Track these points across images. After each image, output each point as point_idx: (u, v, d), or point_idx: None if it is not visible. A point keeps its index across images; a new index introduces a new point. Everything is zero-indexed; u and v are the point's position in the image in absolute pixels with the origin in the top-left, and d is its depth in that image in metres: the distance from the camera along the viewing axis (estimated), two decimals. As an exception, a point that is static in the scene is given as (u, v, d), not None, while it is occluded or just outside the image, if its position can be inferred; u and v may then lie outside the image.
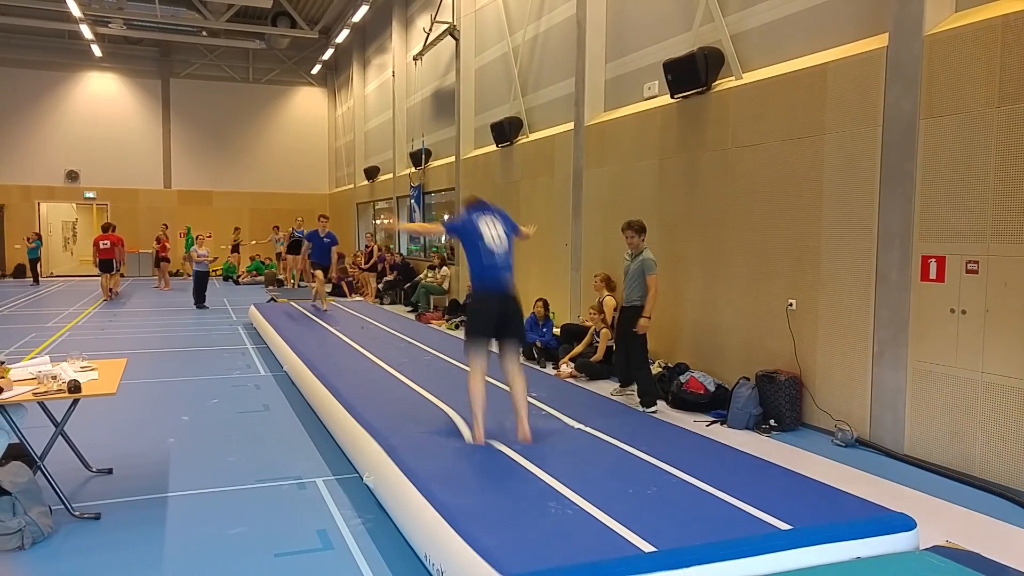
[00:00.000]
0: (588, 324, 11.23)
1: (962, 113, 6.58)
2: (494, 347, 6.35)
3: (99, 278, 22.18)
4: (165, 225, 27.05)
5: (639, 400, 8.73)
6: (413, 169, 21.90)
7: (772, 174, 8.65)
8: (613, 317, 10.19)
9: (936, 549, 4.40)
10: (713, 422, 8.35)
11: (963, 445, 6.65)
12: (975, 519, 5.71)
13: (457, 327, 15.48)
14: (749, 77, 9.11)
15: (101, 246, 21.55)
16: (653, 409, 8.58)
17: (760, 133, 8.82)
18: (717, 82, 9.59)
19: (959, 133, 6.61)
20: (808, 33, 8.46)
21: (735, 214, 9.20)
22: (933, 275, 6.86)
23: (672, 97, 10.15)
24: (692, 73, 9.61)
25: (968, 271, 6.57)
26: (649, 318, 8.62)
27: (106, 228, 22.36)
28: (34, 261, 26.53)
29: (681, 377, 9.11)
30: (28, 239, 26.47)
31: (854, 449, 7.46)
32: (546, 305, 12.32)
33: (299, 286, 24.61)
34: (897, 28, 7.12)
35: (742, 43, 9.34)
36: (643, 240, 8.80)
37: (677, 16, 10.54)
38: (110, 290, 21.77)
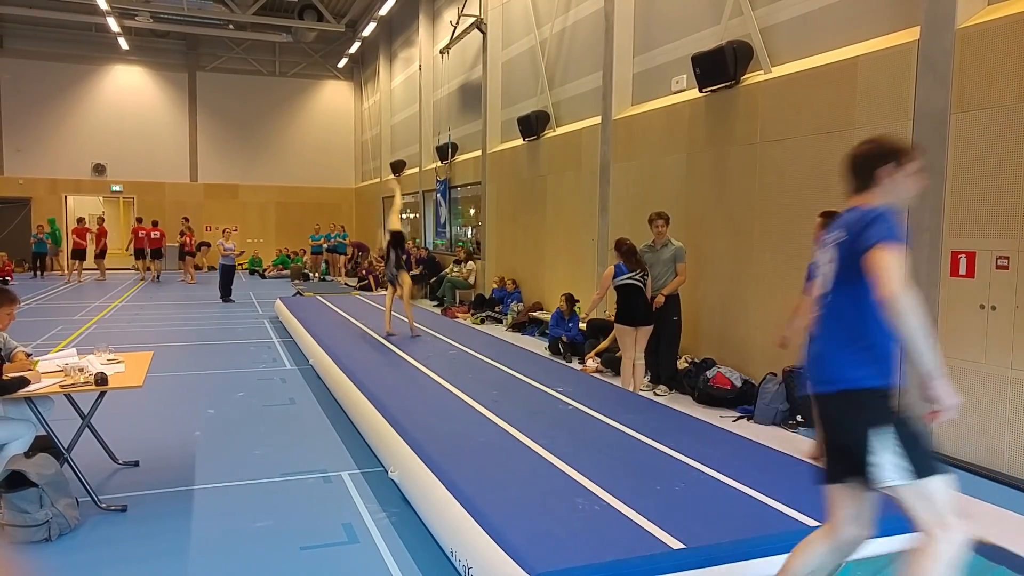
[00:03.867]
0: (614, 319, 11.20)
1: (994, 107, 6.50)
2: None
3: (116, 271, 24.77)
4: (186, 219, 27.17)
5: (649, 378, 9.69)
6: (439, 163, 21.91)
7: (801, 169, 8.58)
8: None
9: (964, 543, 4.37)
10: (740, 417, 8.31)
11: (991, 442, 6.59)
12: (1002, 515, 5.67)
13: (482, 321, 15.51)
14: (778, 71, 9.04)
15: (152, 236, 25.99)
16: (660, 391, 9.47)
17: (789, 127, 8.75)
18: (746, 76, 9.52)
19: (991, 127, 6.52)
20: (838, 26, 8.38)
21: (763, 209, 9.13)
22: (963, 271, 6.79)
23: (700, 91, 10.09)
24: (721, 67, 9.54)
25: (998, 267, 6.50)
26: (666, 296, 9.23)
27: (155, 223, 26.72)
28: (38, 255, 26.31)
29: (707, 372, 9.07)
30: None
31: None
32: (572, 300, 12.30)
33: (323, 279, 25.11)
34: (928, 21, 7.03)
35: (771, 36, 9.27)
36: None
37: (706, 9, 10.47)
38: (157, 275, 25.99)
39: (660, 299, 9.17)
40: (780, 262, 8.88)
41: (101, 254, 26.02)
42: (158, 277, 26.06)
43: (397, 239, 11.27)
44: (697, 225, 10.22)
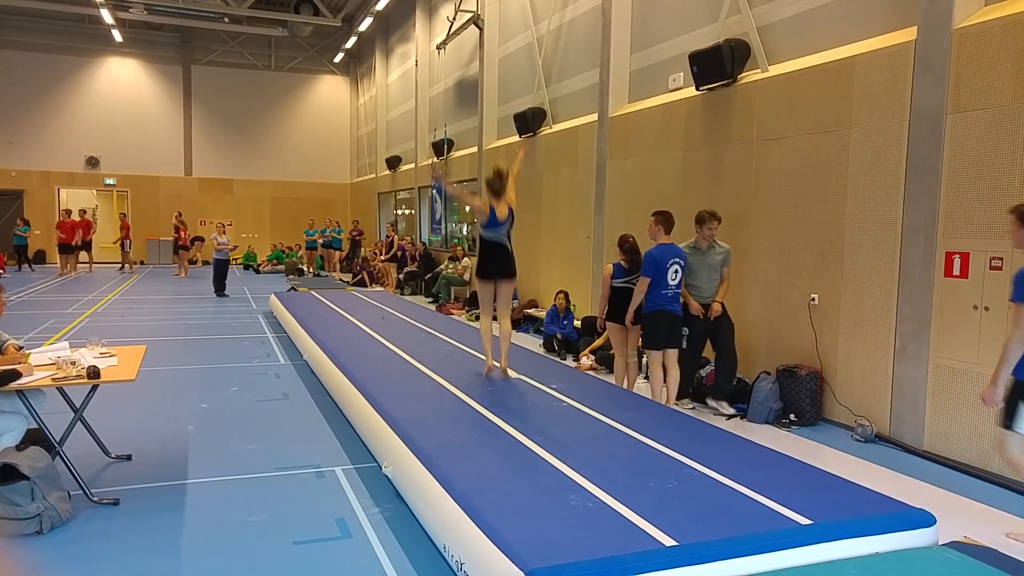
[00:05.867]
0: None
1: (990, 108, 6.51)
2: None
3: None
4: (179, 213, 27.14)
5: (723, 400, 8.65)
6: (435, 159, 21.89)
7: (797, 168, 8.59)
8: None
9: (954, 545, 4.38)
10: (733, 416, 8.32)
11: (982, 441, 6.61)
12: (994, 515, 5.69)
13: (477, 318, 15.49)
14: (775, 70, 9.04)
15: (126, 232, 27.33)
16: (724, 408, 8.57)
17: (785, 126, 8.75)
18: (743, 74, 9.52)
19: (986, 128, 6.53)
20: (836, 26, 8.38)
21: (759, 208, 9.14)
22: (957, 271, 6.81)
23: (697, 89, 10.09)
24: (718, 65, 9.54)
25: (992, 267, 6.51)
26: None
27: (123, 215, 28.06)
28: (20, 248, 26.22)
29: (702, 371, 9.07)
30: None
31: (874, 444, 7.43)
32: (567, 297, 12.31)
33: (318, 274, 25.14)
34: (926, 21, 7.04)
35: (769, 35, 9.27)
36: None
37: (703, 7, 10.46)
38: (130, 266, 27.38)
39: (717, 307, 8.46)
40: (775, 260, 8.88)
41: (85, 246, 25.86)
42: (130, 267, 27.30)
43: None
44: (692, 223, 10.20)
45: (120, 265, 27.51)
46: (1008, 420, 5.17)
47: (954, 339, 6.83)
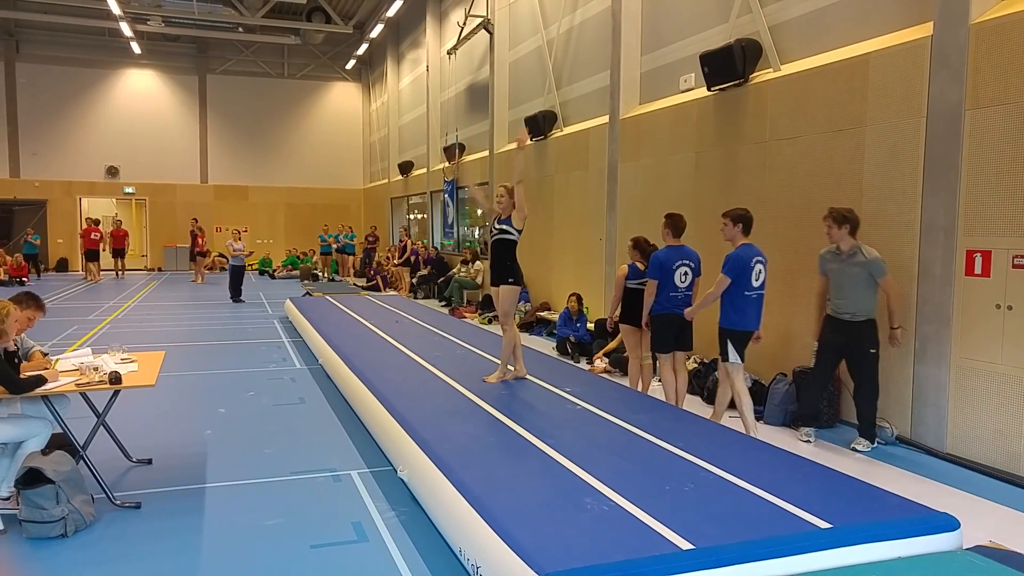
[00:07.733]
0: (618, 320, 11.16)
1: (1009, 103, 6.44)
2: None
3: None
4: (195, 219, 27.23)
5: (862, 437, 7.39)
6: (447, 164, 21.91)
7: (811, 167, 8.53)
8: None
9: (979, 549, 4.31)
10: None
11: (1007, 443, 6.52)
12: (1020, 519, 5.61)
13: (490, 321, 15.48)
14: (788, 69, 8.99)
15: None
16: (862, 445, 7.33)
17: (799, 126, 8.70)
18: (755, 74, 9.48)
19: (1006, 124, 6.46)
20: (849, 23, 8.33)
21: (773, 208, 9.08)
22: (978, 270, 6.73)
23: (709, 90, 10.05)
24: (729, 65, 9.50)
25: (1015, 266, 6.43)
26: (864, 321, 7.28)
27: (119, 224, 27.65)
28: (30, 256, 26.14)
29: (716, 373, 9.02)
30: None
31: (895, 447, 7.35)
32: (580, 300, 12.27)
33: (332, 279, 25.24)
34: (942, 17, 6.98)
35: (781, 34, 9.23)
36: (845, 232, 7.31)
37: (714, 7, 10.43)
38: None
39: (895, 335, 7.22)
40: (790, 261, 8.82)
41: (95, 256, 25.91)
42: (122, 272, 27.18)
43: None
44: (706, 225, 10.15)
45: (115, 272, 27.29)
46: (723, 356, 7.48)
47: (976, 339, 6.75)
